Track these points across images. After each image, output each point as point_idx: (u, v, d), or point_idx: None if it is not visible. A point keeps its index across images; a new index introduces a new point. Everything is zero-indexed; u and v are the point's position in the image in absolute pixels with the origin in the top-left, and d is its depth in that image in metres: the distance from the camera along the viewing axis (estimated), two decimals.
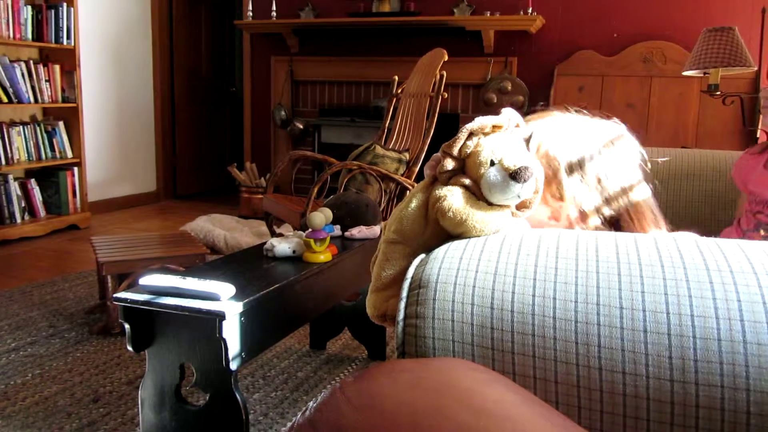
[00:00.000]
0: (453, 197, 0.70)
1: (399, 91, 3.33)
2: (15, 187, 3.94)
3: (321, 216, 1.65)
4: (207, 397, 1.37)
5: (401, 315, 0.62)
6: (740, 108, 3.65)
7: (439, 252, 0.64)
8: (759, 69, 3.57)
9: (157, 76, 5.31)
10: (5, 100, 3.81)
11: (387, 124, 3.30)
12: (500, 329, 0.57)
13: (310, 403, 0.47)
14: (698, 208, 1.97)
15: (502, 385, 0.46)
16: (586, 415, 0.54)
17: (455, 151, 0.72)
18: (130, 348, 1.37)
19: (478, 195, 0.71)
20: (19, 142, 3.97)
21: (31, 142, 4.05)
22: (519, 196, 0.71)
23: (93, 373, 2.05)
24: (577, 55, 4.24)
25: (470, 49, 4.50)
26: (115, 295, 1.37)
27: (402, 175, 2.87)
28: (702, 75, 3.19)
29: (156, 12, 5.24)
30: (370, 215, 2.01)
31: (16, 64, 3.88)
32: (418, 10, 4.59)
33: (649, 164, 0.87)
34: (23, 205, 4.02)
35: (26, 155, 4.03)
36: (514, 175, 0.69)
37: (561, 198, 0.81)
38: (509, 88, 4.42)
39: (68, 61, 4.18)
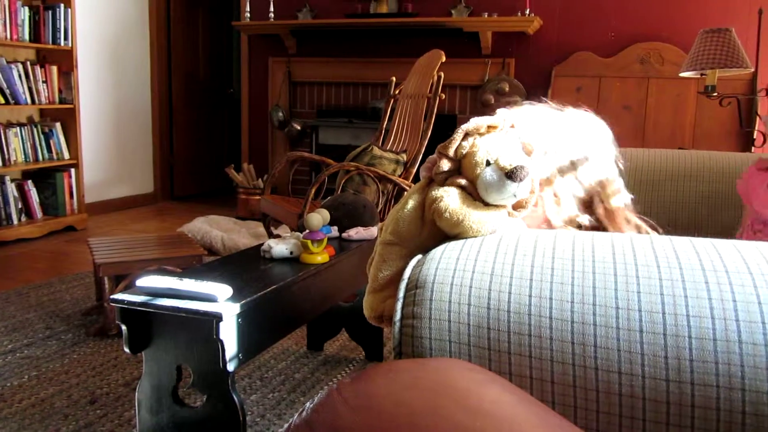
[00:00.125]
0: (450, 198, 0.70)
1: (396, 92, 3.33)
2: (12, 189, 3.94)
3: (318, 217, 1.65)
4: (204, 399, 1.37)
5: (398, 315, 0.62)
6: (737, 109, 3.66)
7: (436, 252, 0.64)
8: (756, 70, 3.58)
9: (155, 77, 5.31)
10: (2, 101, 3.80)
11: (384, 125, 3.30)
12: (497, 329, 0.57)
13: (307, 404, 0.47)
14: (696, 209, 1.97)
15: (499, 385, 0.46)
16: (582, 415, 0.54)
17: (451, 152, 0.73)
18: (127, 349, 1.37)
19: (474, 195, 0.72)
20: (16, 143, 3.97)
21: (28, 144, 4.05)
22: (515, 196, 0.71)
23: (90, 375, 2.04)
24: (575, 56, 4.24)
25: (468, 51, 4.50)
26: (112, 297, 1.37)
27: (399, 176, 2.88)
28: (699, 76, 3.20)
29: (153, 13, 5.23)
30: (368, 216, 2.01)
31: (13, 65, 3.87)
32: (416, 11, 4.59)
33: (621, 161, 0.88)
34: (20, 206, 4.01)
35: (23, 156, 4.02)
36: (510, 175, 0.69)
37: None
38: (507, 89, 4.42)
39: (65, 62, 4.18)
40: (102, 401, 1.87)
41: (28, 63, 3.98)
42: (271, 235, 3.09)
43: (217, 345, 1.29)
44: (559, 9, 4.31)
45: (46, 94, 4.09)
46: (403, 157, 2.95)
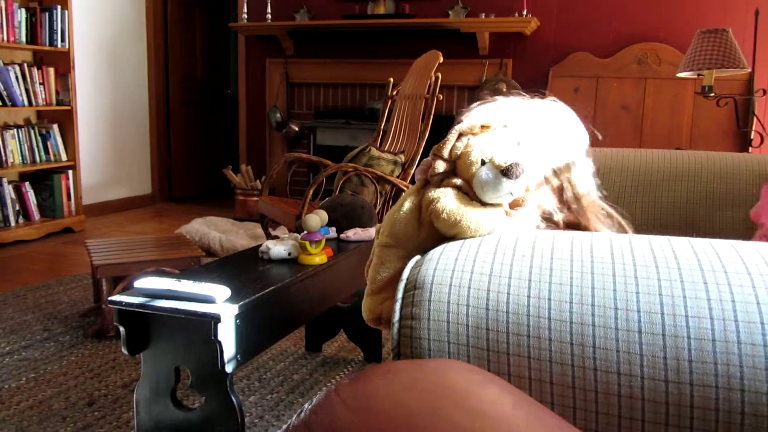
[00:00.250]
0: (446, 199, 0.70)
1: (394, 93, 3.34)
2: (9, 191, 3.93)
3: (316, 218, 1.65)
4: (202, 400, 1.37)
5: (397, 316, 0.62)
6: (734, 109, 3.67)
7: (435, 253, 0.64)
8: (752, 70, 3.59)
9: (152, 78, 5.30)
10: None
11: (382, 126, 3.30)
12: (495, 330, 0.57)
13: (306, 405, 0.46)
14: (693, 210, 1.97)
15: (498, 386, 0.46)
16: (581, 416, 0.54)
17: (445, 153, 0.73)
18: (125, 351, 1.37)
19: (471, 195, 0.72)
20: (13, 145, 3.96)
21: (26, 145, 4.04)
22: (511, 193, 0.71)
23: (88, 377, 2.04)
24: (572, 56, 4.25)
25: (465, 51, 4.51)
26: (110, 298, 1.36)
27: (397, 176, 2.88)
28: (696, 77, 3.20)
29: (151, 14, 5.23)
30: (366, 217, 2.01)
31: (10, 67, 3.87)
32: (413, 12, 4.60)
33: (591, 153, 0.87)
34: (17, 208, 4.00)
35: (20, 158, 4.01)
36: (506, 172, 0.70)
37: None
38: (504, 89, 4.42)
39: (62, 63, 4.17)
40: (100, 403, 1.87)
41: (25, 65, 3.98)
42: (269, 236, 3.09)
43: (216, 346, 1.29)
44: (556, 10, 4.32)
45: (43, 96, 4.09)
46: (401, 157, 2.95)
